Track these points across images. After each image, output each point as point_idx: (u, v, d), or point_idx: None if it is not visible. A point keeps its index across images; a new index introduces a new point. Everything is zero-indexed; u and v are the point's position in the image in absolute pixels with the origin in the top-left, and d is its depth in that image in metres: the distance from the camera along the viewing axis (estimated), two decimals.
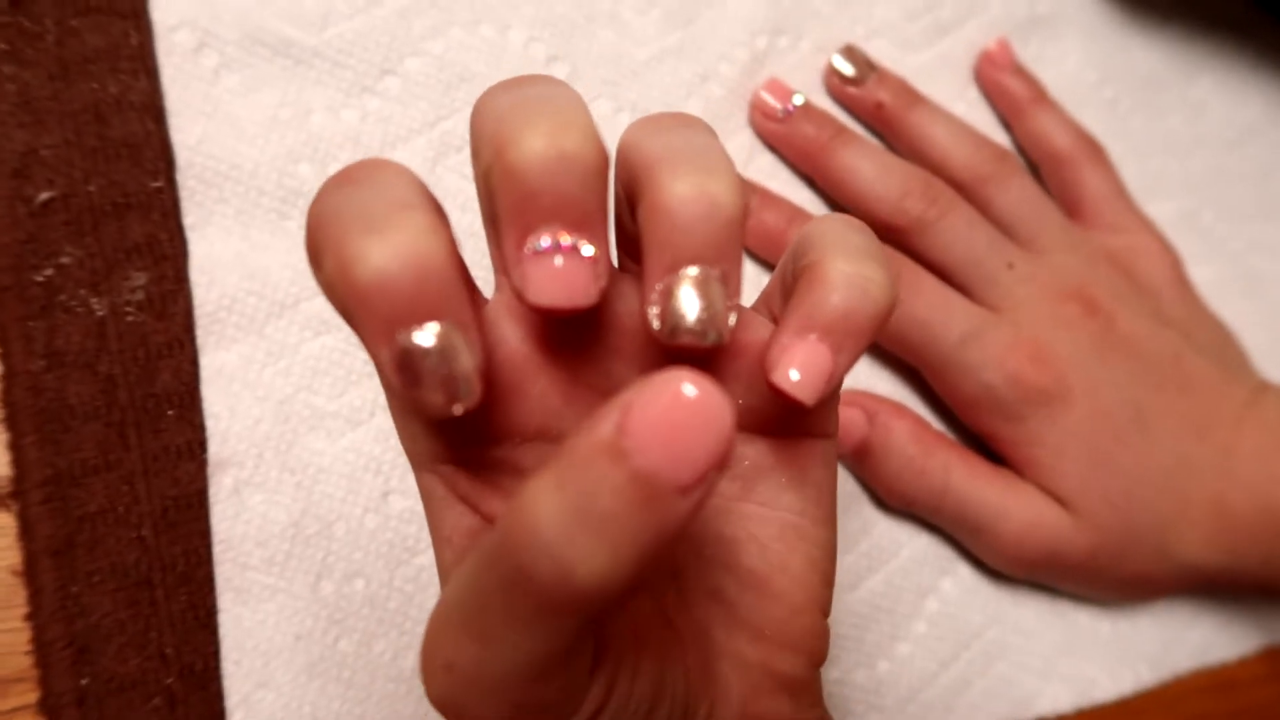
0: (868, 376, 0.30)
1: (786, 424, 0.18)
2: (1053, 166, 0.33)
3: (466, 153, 0.27)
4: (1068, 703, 0.30)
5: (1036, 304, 0.29)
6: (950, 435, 0.30)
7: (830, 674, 0.28)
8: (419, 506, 0.25)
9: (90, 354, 0.24)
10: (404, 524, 0.25)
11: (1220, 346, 0.32)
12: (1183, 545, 0.28)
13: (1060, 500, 0.28)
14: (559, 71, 0.28)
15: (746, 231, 0.29)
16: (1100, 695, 0.31)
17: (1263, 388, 0.31)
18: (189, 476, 0.24)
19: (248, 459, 0.24)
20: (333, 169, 0.26)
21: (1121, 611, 0.32)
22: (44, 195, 0.24)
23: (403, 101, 0.27)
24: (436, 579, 0.25)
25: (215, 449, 0.24)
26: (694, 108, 0.29)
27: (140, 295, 0.24)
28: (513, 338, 0.17)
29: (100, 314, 0.24)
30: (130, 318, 0.24)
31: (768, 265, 0.30)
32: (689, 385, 0.12)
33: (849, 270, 0.16)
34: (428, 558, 0.25)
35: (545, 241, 0.14)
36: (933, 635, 0.29)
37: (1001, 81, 0.33)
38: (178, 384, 0.24)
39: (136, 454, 0.24)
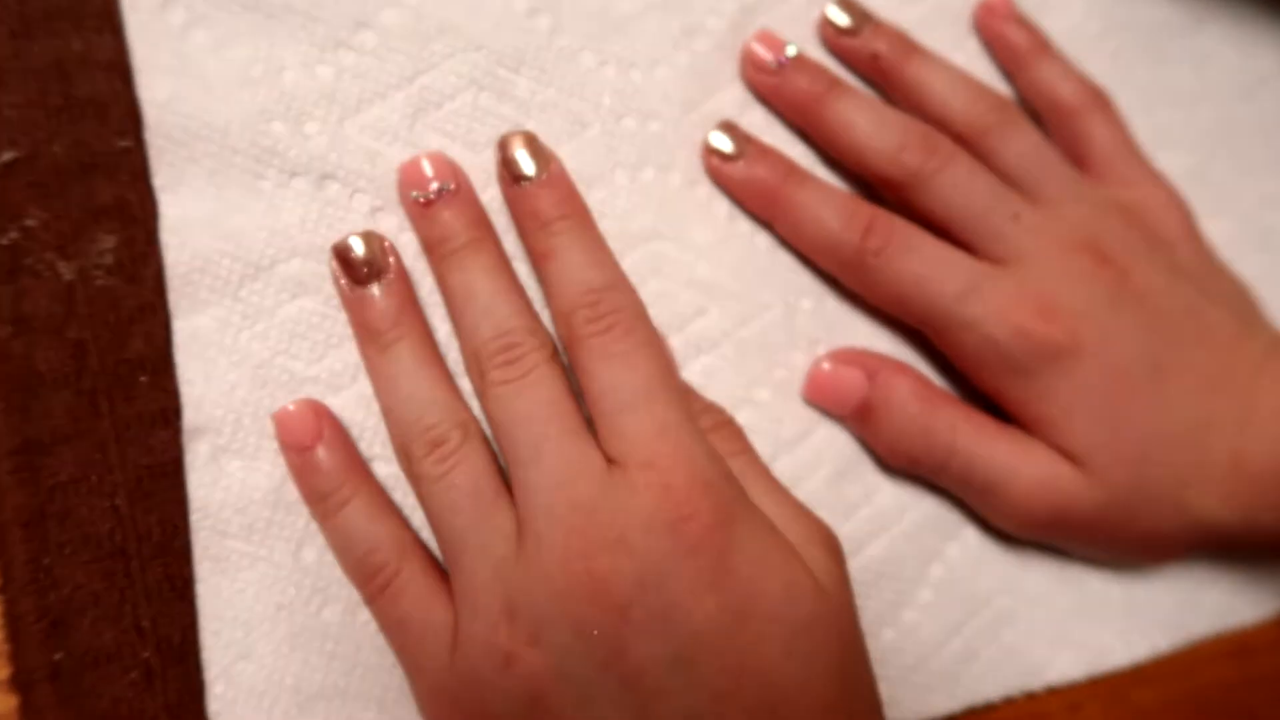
0: (868, 337, 0.29)
1: None
2: (1058, 118, 0.31)
3: (447, 109, 0.26)
4: (1079, 671, 0.29)
5: (1045, 256, 0.28)
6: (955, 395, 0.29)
7: None
8: (402, 472, 0.24)
9: (58, 319, 0.23)
10: (388, 489, 0.24)
11: (1236, 300, 0.31)
12: (1200, 503, 0.27)
13: (1071, 457, 0.27)
14: (541, 24, 0.27)
15: (742, 187, 0.28)
16: (1113, 662, 0.30)
17: None
18: (163, 444, 0.23)
19: (225, 425, 0.24)
20: (308, 127, 0.25)
21: (1134, 576, 0.31)
22: (7, 156, 0.23)
23: (379, 56, 0.26)
24: None
25: (190, 415, 0.23)
26: (681, 62, 0.29)
27: (109, 258, 0.24)
28: None
29: (68, 278, 0.23)
30: (99, 281, 0.24)
31: (758, 224, 0.29)
32: None
33: None
34: (414, 522, 0.24)
35: None
36: (939, 602, 0.28)
37: (1002, 31, 0.32)
38: (150, 349, 0.24)
39: (108, 422, 0.23)
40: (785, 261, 0.29)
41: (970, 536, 0.29)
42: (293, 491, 0.24)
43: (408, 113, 0.26)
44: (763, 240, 0.28)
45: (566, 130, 0.27)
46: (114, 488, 0.23)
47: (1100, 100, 0.31)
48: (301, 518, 0.24)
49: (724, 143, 0.28)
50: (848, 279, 0.28)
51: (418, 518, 0.24)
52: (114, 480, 0.23)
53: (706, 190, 0.28)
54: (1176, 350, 0.28)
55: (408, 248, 0.25)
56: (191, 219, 0.24)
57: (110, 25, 0.24)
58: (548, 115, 0.27)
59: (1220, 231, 0.33)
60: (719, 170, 0.28)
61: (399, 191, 0.26)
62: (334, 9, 0.26)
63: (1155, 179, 0.31)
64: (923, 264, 0.27)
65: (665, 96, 0.28)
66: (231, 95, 0.25)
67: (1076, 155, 0.31)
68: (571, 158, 0.27)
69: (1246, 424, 0.27)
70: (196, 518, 0.23)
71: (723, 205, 0.28)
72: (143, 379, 0.24)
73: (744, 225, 0.28)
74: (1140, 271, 0.28)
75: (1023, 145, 0.29)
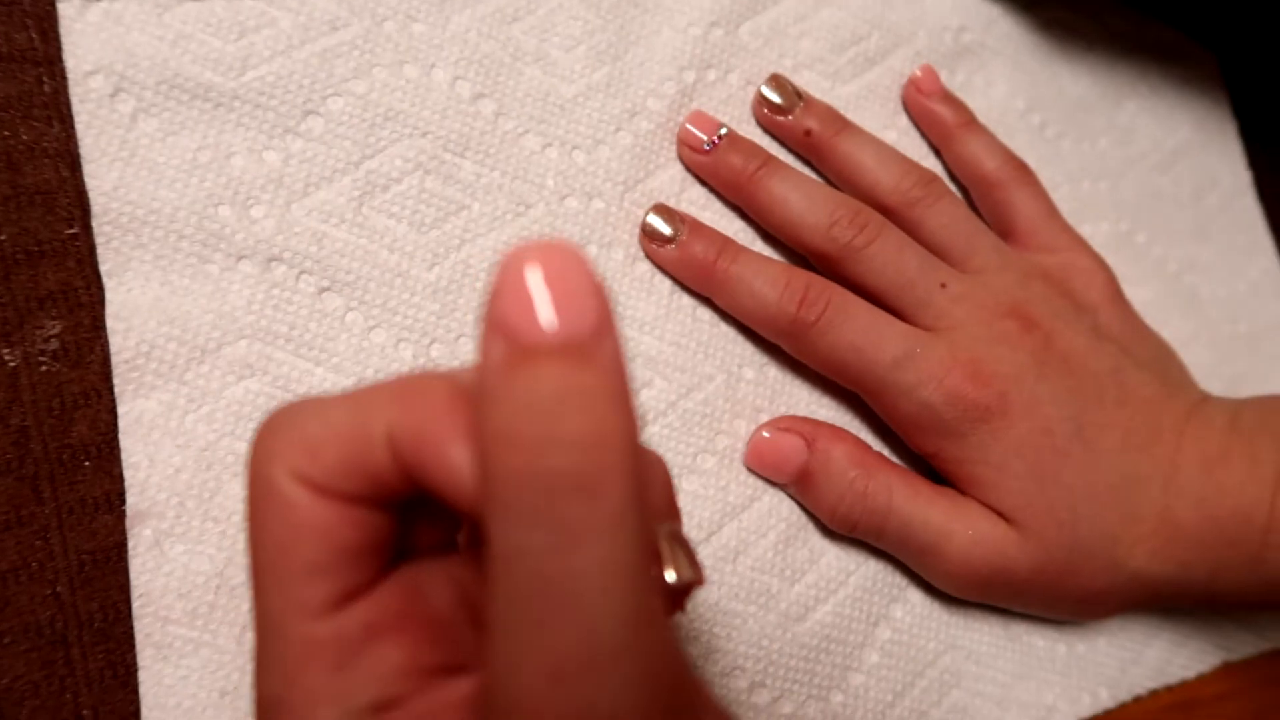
0: (809, 404, 0.30)
1: None
2: (983, 190, 0.33)
3: (393, 191, 0.27)
4: None
5: (972, 322, 0.29)
6: (893, 459, 0.30)
7: (783, 708, 0.27)
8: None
9: (2, 406, 0.23)
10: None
11: (1160, 361, 0.32)
12: (1131, 558, 0.28)
13: (1004, 516, 0.28)
14: (485, 109, 0.28)
15: (677, 263, 0.29)
16: None
17: (1203, 400, 0.31)
18: (107, 529, 0.23)
19: (168, 509, 0.24)
20: (255, 211, 0.26)
21: (1078, 633, 0.31)
22: None
23: (326, 141, 0.27)
24: None
25: (134, 500, 0.24)
26: (623, 142, 0.30)
27: (55, 344, 0.24)
28: None
29: (12, 364, 0.23)
30: (45, 367, 0.24)
31: (699, 298, 0.30)
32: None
33: None
34: None
35: None
36: (886, 664, 0.29)
37: (929, 107, 0.33)
38: (95, 434, 0.24)
39: (51, 508, 0.23)
40: (727, 333, 0.29)
41: (915, 598, 0.30)
42: (237, 575, 0.24)
43: (354, 196, 0.27)
44: (705, 313, 0.29)
45: (511, 211, 0.28)
46: (55, 574, 0.23)
47: (1023, 172, 0.33)
48: (245, 601, 0.24)
49: (659, 224, 0.29)
50: (787, 347, 0.29)
51: None
52: (55, 567, 0.23)
53: (648, 266, 0.29)
54: (1100, 410, 0.29)
55: (375, 337, 0.26)
56: (138, 304, 0.24)
57: (59, 115, 0.25)
58: (492, 197, 0.28)
59: (1147, 297, 0.35)
60: (656, 253, 0.29)
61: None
62: (282, 97, 0.26)
63: (1079, 245, 0.33)
64: (858, 332, 0.28)
65: (608, 176, 0.29)
66: (179, 181, 0.25)
67: (1002, 225, 0.33)
68: (515, 238, 0.28)
69: (1171, 481, 0.28)
70: (139, 604, 0.23)
71: (665, 281, 0.29)
72: (87, 464, 0.24)
73: (686, 300, 0.29)
74: (1064, 335, 0.29)
75: (949, 216, 0.30)
